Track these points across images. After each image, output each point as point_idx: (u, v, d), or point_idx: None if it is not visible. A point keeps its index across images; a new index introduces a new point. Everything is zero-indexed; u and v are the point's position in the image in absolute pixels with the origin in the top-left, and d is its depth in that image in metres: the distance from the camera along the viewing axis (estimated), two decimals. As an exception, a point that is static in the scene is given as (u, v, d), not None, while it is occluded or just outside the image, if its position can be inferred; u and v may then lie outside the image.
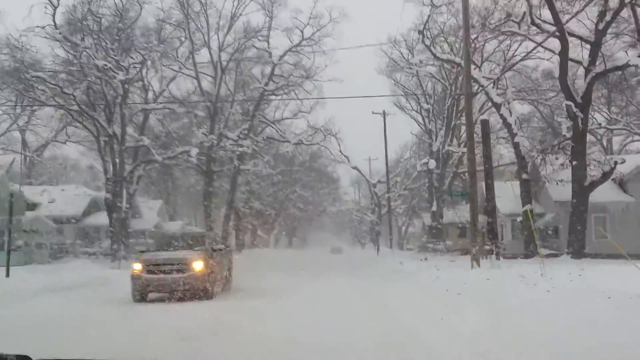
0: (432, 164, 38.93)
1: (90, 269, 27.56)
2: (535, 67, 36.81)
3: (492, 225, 24.77)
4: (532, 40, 30.82)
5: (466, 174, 58.26)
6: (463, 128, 46.08)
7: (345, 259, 39.18)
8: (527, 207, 30.71)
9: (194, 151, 30.10)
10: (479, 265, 20.07)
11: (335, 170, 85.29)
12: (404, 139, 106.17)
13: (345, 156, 57.99)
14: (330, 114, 43.99)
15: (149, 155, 31.28)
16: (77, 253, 41.02)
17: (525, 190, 31.50)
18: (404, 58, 45.28)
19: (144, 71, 33.83)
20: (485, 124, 27.29)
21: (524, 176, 31.63)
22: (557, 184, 32.49)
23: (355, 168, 59.86)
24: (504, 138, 40.53)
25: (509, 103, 32.93)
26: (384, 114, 51.73)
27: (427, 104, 47.61)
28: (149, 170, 41.45)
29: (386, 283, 20.10)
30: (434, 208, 44.09)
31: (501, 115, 32.49)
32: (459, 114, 43.22)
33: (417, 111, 53.86)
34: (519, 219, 32.07)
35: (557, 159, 31.69)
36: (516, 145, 31.85)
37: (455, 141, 43.32)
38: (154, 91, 36.72)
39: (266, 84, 37.37)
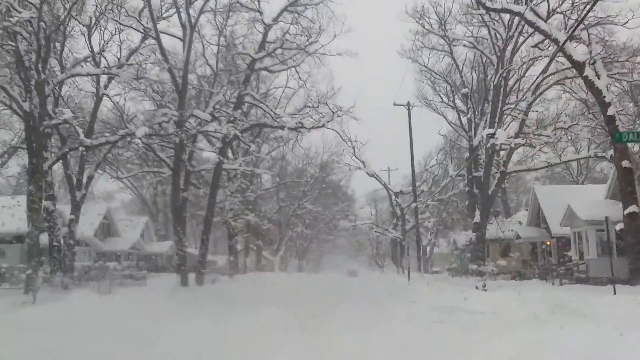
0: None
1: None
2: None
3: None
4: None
5: (516, 174, 48.14)
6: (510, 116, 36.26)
7: (367, 287, 29.16)
8: (632, 208, 20.82)
9: (140, 131, 20.59)
10: None
11: (348, 184, 75.68)
12: (429, 144, 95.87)
13: (361, 161, 48.54)
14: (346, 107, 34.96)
15: (76, 139, 21.69)
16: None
17: (627, 183, 21.54)
18: (433, 29, 35.65)
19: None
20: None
21: (625, 163, 21.65)
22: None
23: (373, 175, 50.14)
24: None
25: (594, 63, 23.19)
26: (409, 106, 42.08)
27: (464, 87, 37.84)
28: (109, 169, 32.22)
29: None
30: (477, 219, 34.07)
31: (586, 79, 22.71)
32: (508, 95, 33.54)
33: (447, 103, 44.23)
34: (618, 227, 21.94)
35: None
36: (610, 120, 22.03)
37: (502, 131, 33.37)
38: (106, 60, 27.41)
39: (257, 52, 27.92)
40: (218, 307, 18.20)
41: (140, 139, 20.51)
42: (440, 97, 44.63)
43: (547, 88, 33.55)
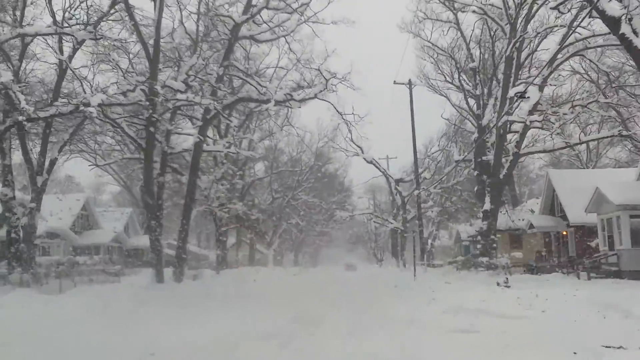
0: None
1: None
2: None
3: None
4: None
5: (530, 156, 44.32)
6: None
7: (368, 282, 25.89)
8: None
9: (96, 99, 17.17)
10: None
11: (345, 174, 72.12)
12: (430, 131, 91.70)
13: (358, 146, 45.23)
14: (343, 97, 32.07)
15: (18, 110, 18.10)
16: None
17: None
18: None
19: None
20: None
21: (672, 135, 18.29)
22: None
23: (371, 162, 46.90)
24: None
25: (631, 19, 19.81)
26: (410, 84, 38.84)
27: (472, 61, 34.45)
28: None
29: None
30: (488, 206, 30.76)
31: (622, 38, 19.32)
32: (521, 67, 30.27)
33: (451, 82, 40.82)
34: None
35: None
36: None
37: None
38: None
39: (241, 15, 24.47)
40: (186, 311, 14.92)
41: (96, 108, 17.09)
42: (444, 76, 41.20)
43: (565, 60, 30.22)
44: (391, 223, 47.64)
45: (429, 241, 61.57)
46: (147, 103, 19.74)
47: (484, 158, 33.01)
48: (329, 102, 24.56)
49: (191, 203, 26.59)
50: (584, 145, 44.87)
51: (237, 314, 14.01)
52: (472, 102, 38.21)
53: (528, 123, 28.51)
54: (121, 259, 42.91)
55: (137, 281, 26.97)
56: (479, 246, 30.65)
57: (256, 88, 23.71)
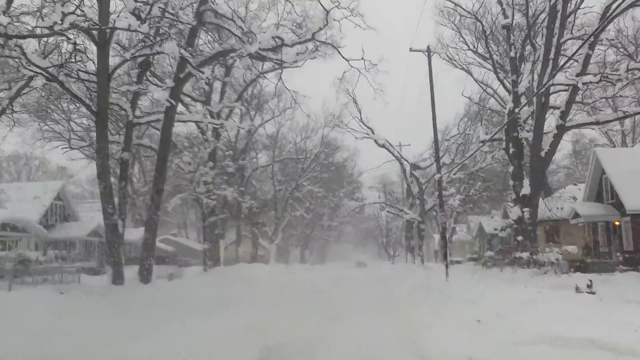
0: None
1: None
2: None
3: None
4: None
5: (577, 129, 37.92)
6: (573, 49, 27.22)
7: (387, 285, 20.46)
8: None
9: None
10: None
11: (354, 164, 66.46)
12: (448, 114, 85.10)
13: (368, 128, 39.86)
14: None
15: None
16: None
17: None
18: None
19: None
20: None
21: None
22: None
23: (383, 146, 41.55)
24: None
25: None
26: (429, 51, 33.33)
27: (505, 17, 28.84)
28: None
29: None
30: (527, 190, 25.27)
31: None
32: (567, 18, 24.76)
33: (475, 51, 35.35)
34: None
35: None
36: None
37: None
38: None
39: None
40: (119, 326, 9.80)
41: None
42: (467, 44, 35.68)
43: (621, 12, 24.64)
44: (406, 213, 42.11)
45: (447, 235, 56.10)
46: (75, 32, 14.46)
47: (520, 134, 27.59)
48: (331, 44, 19.04)
49: (161, 184, 21.34)
50: (628, 124, 39.31)
51: (187, 336, 8.83)
52: (500, 74, 32.76)
53: (580, 85, 22.93)
54: (102, 255, 37.75)
55: (100, 282, 21.85)
56: (520, 238, 25.15)
57: (237, 36, 18.32)
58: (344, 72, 23.11)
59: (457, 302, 12.31)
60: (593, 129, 35.92)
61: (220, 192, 29.12)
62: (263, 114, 51.52)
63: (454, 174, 38.73)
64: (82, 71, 18.20)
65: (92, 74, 18.55)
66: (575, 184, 36.79)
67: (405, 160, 41.76)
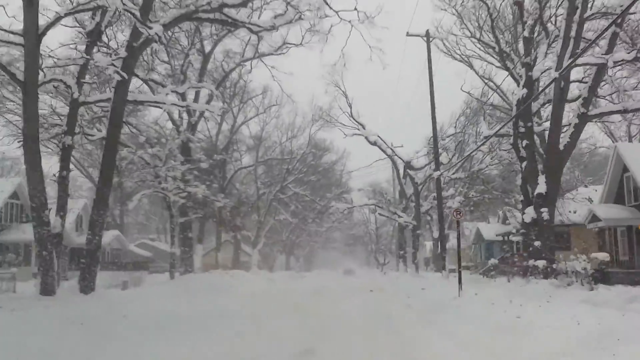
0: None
1: None
2: None
3: None
4: None
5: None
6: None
7: (387, 304, 16.82)
8: None
9: None
10: None
11: (343, 167, 62.75)
12: (444, 112, 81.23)
13: (359, 123, 36.37)
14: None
15: None
16: None
17: None
18: None
19: None
20: None
21: None
22: None
23: (375, 143, 38.07)
24: None
25: None
26: (428, 36, 30.09)
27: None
28: None
29: None
30: (543, 188, 21.80)
31: None
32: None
33: (478, 38, 32.13)
34: None
35: None
36: None
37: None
38: None
39: None
40: None
41: None
42: (470, 31, 32.35)
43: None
44: (400, 217, 38.48)
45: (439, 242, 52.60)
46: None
47: (534, 126, 24.19)
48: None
49: (109, 177, 17.69)
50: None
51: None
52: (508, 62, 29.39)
53: (611, 64, 19.53)
54: (62, 260, 33.85)
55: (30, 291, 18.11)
56: (537, 243, 21.59)
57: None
58: (332, 26, 19.49)
59: (485, 330, 8.71)
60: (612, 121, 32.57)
61: (191, 188, 25.42)
62: (247, 111, 48.21)
63: (453, 174, 35.22)
64: (4, 30, 14.55)
65: (19, 34, 14.89)
66: (586, 186, 33.35)
67: (400, 157, 38.20)
